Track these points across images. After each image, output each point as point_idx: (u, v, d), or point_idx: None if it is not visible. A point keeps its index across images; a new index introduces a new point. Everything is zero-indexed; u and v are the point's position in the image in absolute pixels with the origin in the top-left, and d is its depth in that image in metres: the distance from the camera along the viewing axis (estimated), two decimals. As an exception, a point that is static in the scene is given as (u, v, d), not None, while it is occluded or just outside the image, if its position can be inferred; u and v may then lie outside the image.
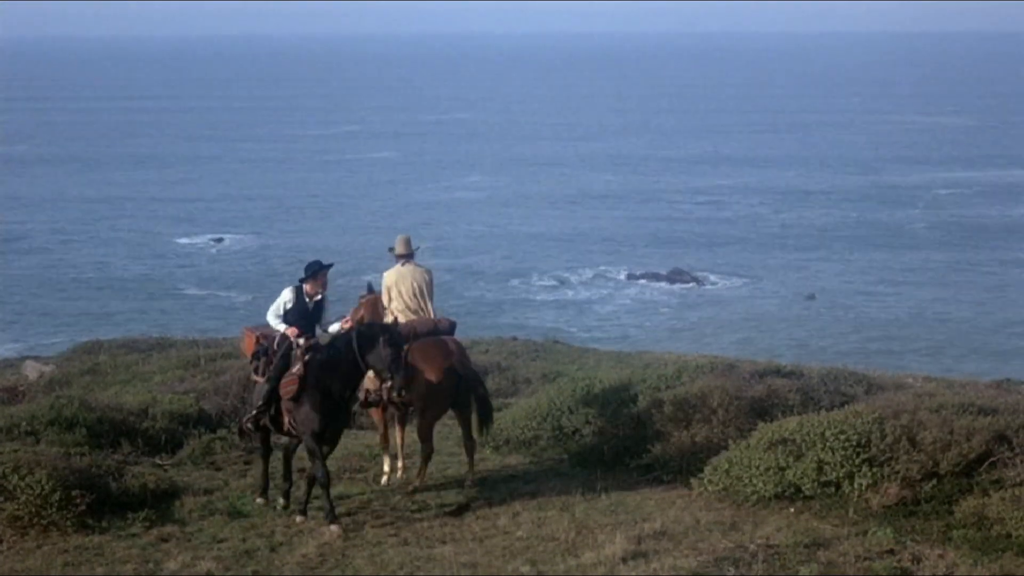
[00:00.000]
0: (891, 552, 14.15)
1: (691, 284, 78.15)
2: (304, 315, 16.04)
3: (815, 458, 15.91)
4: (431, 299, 17.56)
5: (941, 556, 13.99)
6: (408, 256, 17.59)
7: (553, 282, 79.21)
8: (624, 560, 13.87)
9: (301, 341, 15.70)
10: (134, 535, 15.27)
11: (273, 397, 15.78)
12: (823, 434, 16.05)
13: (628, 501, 16.01)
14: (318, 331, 16.25)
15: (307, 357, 15.55)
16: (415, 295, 17.45)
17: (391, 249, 17.74)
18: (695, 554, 14.06)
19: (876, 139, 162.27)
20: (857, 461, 15.75)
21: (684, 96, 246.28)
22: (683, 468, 17.16)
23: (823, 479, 15.86)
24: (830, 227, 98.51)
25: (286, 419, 15.73)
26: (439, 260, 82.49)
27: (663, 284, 78.37)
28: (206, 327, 56.14)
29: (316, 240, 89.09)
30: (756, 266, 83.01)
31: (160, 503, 16.33)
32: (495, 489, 17.08)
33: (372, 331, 15.52)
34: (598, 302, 74.34)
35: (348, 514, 15.97)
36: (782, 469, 16.01)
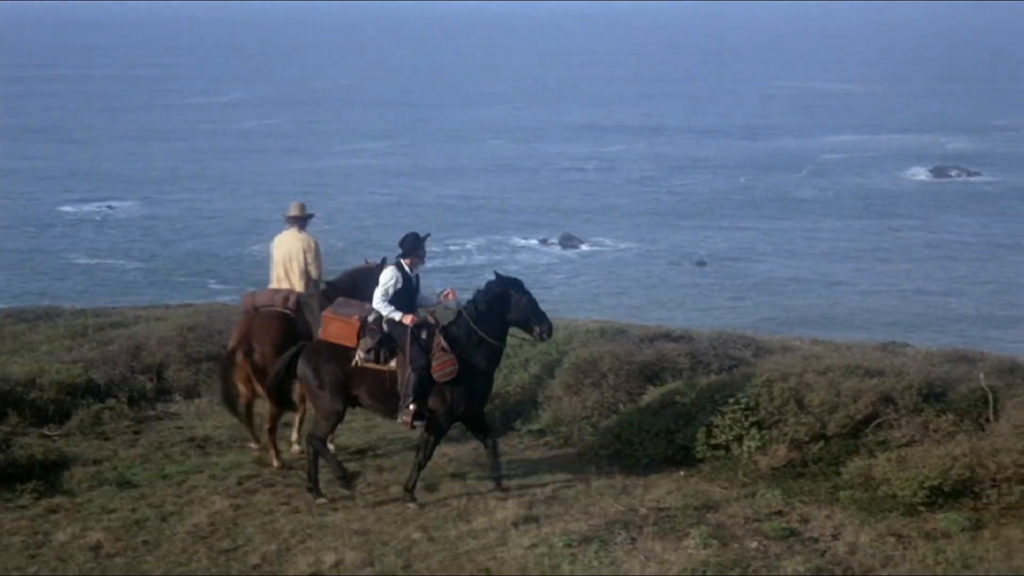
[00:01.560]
0: (780, 513, 14.36)
1: (582, 248, 78.34)
2: (410, 292, 15.35)
3: (705, 421, 16.08)
4: (314, 268, 17.30)
5: (828, 517, 14.21)
6: (297, 221, 17.36)
7: (447, 249, 79.01)
8: (515, 525, 13.94)
9: (417, 320, 15.08)
10: (22, 507, 15.07)
11: (426, 384, 14.91)
12: (712, 397, 16.23)
13: (520, 467, 16.05)
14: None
15: (443, 333, 15.01)
16: (283, 262, 17.23)
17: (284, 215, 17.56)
18: (586, 518, 14.15)
19: (767, 106, 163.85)
20: (746, 424, 15.95)
21: (577, 64, 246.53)
22: (574, 433, 17.24)
23: (712, 442, 16.03)
24: (720, 194, 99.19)
25: (430, 402, 14.99)
26: (332, 226, 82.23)
27: (555, 249, 78.49)
28: (94, 295, 55.29)
29: (206, 206, 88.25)
30: (647, 232, 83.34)
31: (48, 474, 16.10)
32: (387, 457, 17.05)
33: (501, 285, 15.13)
34: (490, 268, 74.28)
35: (239, 483, 15.86)
36: (672, 432, 16.17)
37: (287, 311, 16.88)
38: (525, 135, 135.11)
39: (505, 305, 14.97)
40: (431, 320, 15.14)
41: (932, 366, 18.12)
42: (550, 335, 15.28)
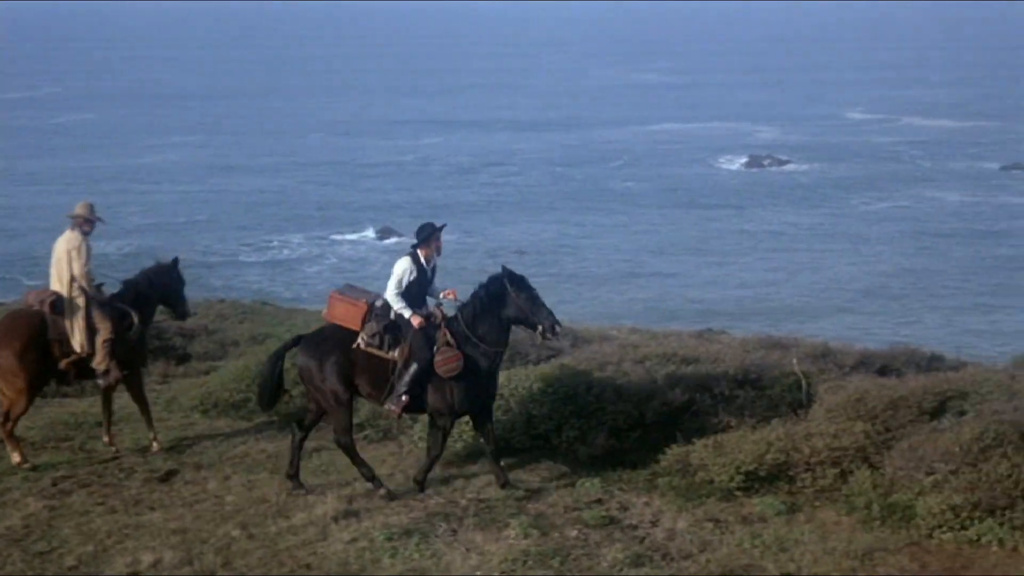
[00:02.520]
0: (599, 502, 14.43)
1: (400, 240, 78.25)
2: (424, 283, 14.73)
3: (524, 412, 16.10)
4: (76, 267, 16.20)
5: (647, 503, 14.33)
6: (78, 220, 16.61)
7: (261, 243, 78.28)
8: (336, 520, 13.78)
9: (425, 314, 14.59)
10: None
11: (424, 377, 14.39)
12: (531, 388, 16.25)
13: (339, 461, 15.87)
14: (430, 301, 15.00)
15: (450, 327, 14.48)
16: (56, 262, 16.42)
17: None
18: (407, 511, 14.06)
19: (582, 99, 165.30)
20: (565, 413, 16.01)
21: (390, 58, 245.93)
22: (393, 426, 17.13)
23: (532, 432, 16.06)
24: (537, 186, 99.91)
25: (431, 398, 14.50)
26: (143, 221, 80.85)
27: (373, 242, 78.33)
28: None
29: (16, 203, 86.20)
30: (464, 224, 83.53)
31: None
32: (204, 453, 16.73)
33: (498, 283, 14.49)
34: (307, 262, 73.82)
35: (53, 484, 15.42)
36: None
37: (41, 311, 16.25)
38: (345, 129, 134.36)
39: (503, 303, 14.42)
40: (438, 314, 14.63)
41: (747, 352, 18.45)
42: (554, 332, 14.55)
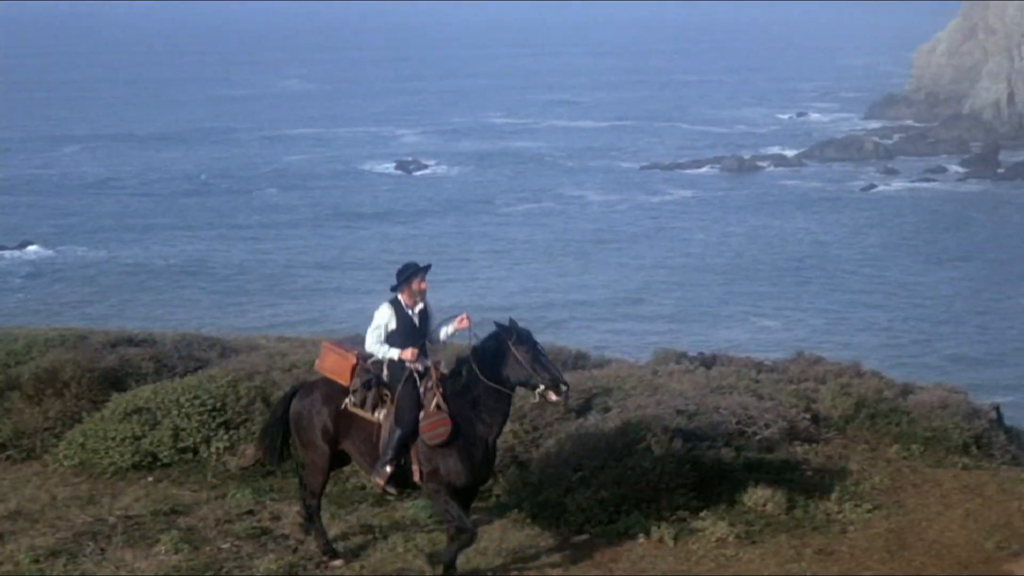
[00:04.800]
0: (251, 513, 14.38)
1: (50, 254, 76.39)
2: (412, 333, 12.92)
3: (171, 425, 15.89)
4: None
5: (299, 512, 14.33)
6: None
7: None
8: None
9: (420, 367, 12.74)
10: None
11: (407, 443, 12.65)
12: (178, 400, 16.06)
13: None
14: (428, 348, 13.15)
15: (441, 390, 12.64)
16: None
17: None
18: (53, 531, 13.68)
19: (222, 110, 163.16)
20: (213, 425, 15.88)
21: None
22: (37, 445, 16.63)
23: (180, 445, 15.86)
24: (178, 199, 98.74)
25: (417, 469, 12.65)
26: None
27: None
28: None
29: None
30: (112, 238, 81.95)
31: None
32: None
33: (495, 340, 12.62)
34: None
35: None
36: (138, 438, 15.87)
37: None
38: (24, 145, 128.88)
39: (501, 361, 12.56)
40: (434, 372, 12.75)
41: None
42: (558, 392, 12.52)
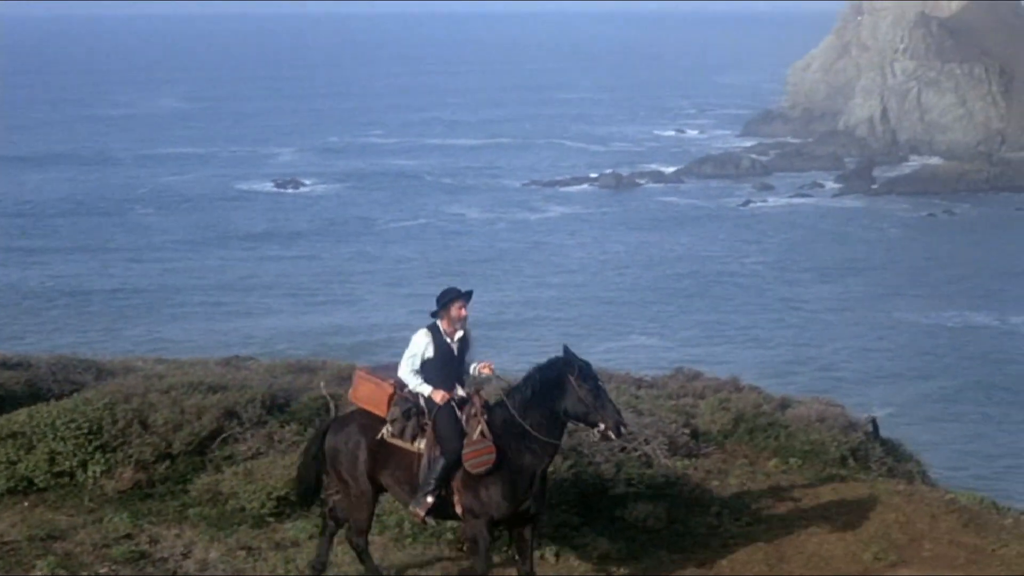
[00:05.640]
0: (129, 536, 14.18)
1: None
2: (450, 362, 12.51)
3: (47, 449, 15.62)
4: None
5: (178, 535, 14.18)
6: None
7: None
8: None
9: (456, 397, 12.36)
10: None
11: (451, 473, 12.22)
12: (54, 424, 15.78)
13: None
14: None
15: (486, 417, 12.21)
16: None
17: None
18: (-77, 561, 13.40)
19: (97, 129, 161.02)
20: (89, 449, 15.64)
21: None
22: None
23: (56, 470, 15.59)
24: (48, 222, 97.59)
25: (459, 500, 12.23)
26: None
27: None
28: None
29: None
30: None
31: None
32: None
33: (556, 371, 12.19)
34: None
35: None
36: (13, 463, 15.58)
37: None
38: None
39: (559, 393, 12.16)
40: (477, 400, 12.39)
41: (275, 378, 18.53)
42: (619, 434, 12.31)
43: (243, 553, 13.73)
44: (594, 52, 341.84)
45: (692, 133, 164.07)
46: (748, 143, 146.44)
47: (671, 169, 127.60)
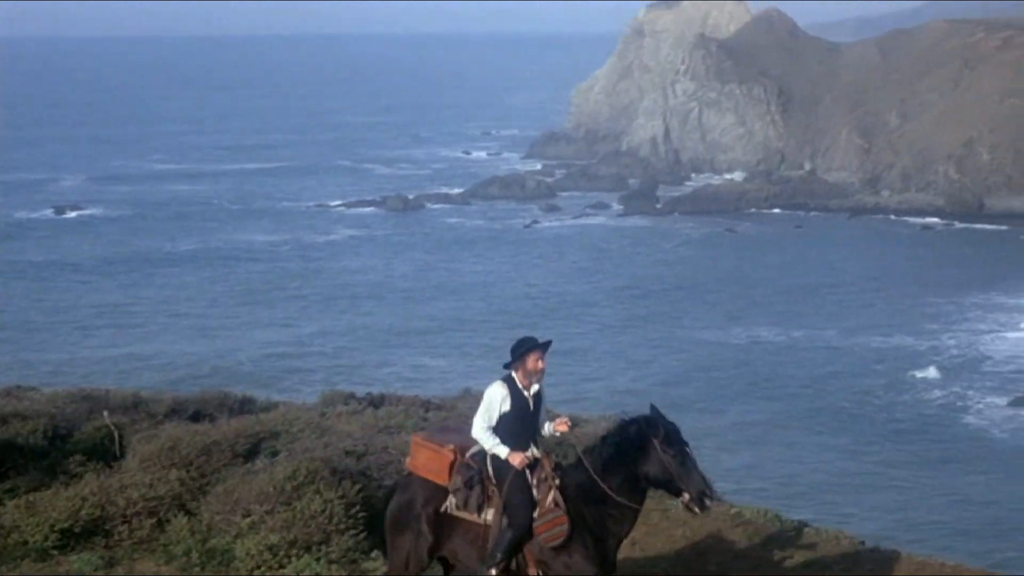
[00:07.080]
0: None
1: None
2: (526, 417, 11.39)
3: None
4: None
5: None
6: None
7: None
8: None
9: (530, 457, 11.26)
10: None
11: (520, 544, 11.16)
12: None
13: None
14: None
15: (558, 482, 11.19)
16: None
17: None
18: None
19: None
20: None
21: None
22: None
23: None
24: None
25: (535, 573, 11.17)
26: None
27: None
28: None
29: None
30: None
31: None
32: None
33: (638, 433, 11.17)
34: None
35: None
36: None
37: None
38: None
39: (641, 457, 11.16)
40: (547, 463, 11.38)
41: (57, 408, 18.17)
42: (703, 507, 11.20)
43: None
44: (384, 75, 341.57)
45: (479, 155, 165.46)
46: (535, 165, 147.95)
47: (458, 191, 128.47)
